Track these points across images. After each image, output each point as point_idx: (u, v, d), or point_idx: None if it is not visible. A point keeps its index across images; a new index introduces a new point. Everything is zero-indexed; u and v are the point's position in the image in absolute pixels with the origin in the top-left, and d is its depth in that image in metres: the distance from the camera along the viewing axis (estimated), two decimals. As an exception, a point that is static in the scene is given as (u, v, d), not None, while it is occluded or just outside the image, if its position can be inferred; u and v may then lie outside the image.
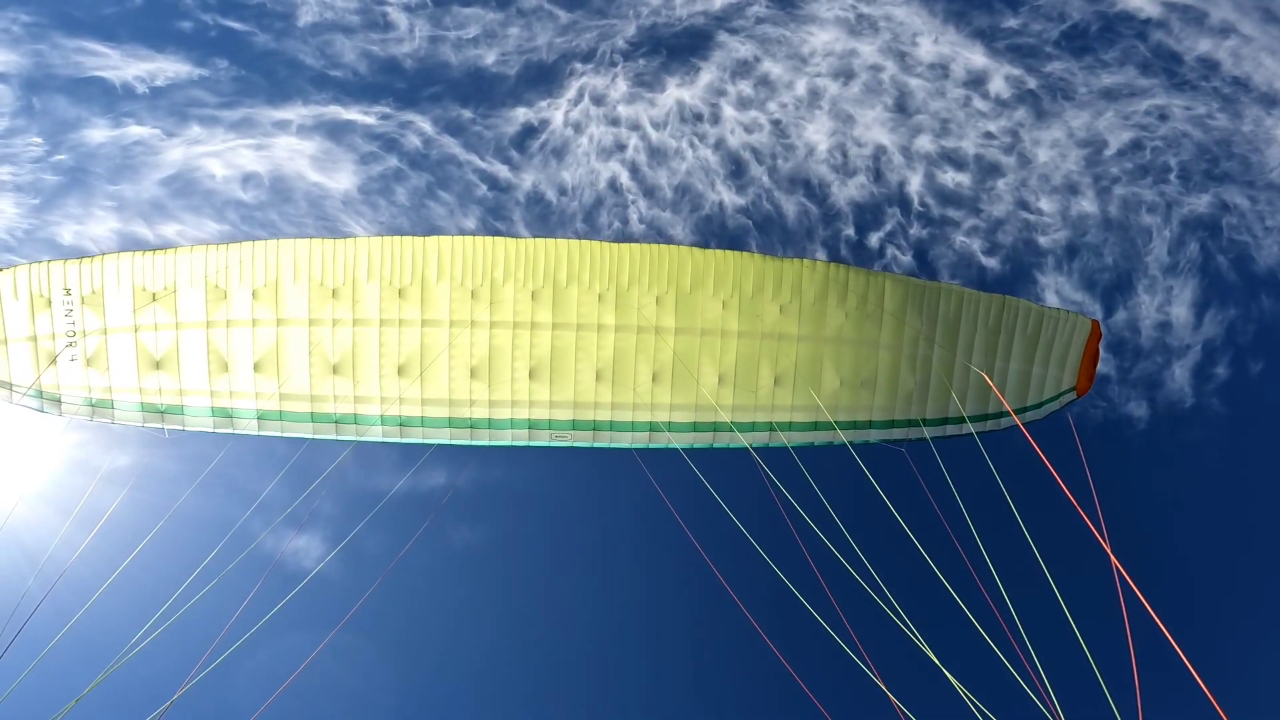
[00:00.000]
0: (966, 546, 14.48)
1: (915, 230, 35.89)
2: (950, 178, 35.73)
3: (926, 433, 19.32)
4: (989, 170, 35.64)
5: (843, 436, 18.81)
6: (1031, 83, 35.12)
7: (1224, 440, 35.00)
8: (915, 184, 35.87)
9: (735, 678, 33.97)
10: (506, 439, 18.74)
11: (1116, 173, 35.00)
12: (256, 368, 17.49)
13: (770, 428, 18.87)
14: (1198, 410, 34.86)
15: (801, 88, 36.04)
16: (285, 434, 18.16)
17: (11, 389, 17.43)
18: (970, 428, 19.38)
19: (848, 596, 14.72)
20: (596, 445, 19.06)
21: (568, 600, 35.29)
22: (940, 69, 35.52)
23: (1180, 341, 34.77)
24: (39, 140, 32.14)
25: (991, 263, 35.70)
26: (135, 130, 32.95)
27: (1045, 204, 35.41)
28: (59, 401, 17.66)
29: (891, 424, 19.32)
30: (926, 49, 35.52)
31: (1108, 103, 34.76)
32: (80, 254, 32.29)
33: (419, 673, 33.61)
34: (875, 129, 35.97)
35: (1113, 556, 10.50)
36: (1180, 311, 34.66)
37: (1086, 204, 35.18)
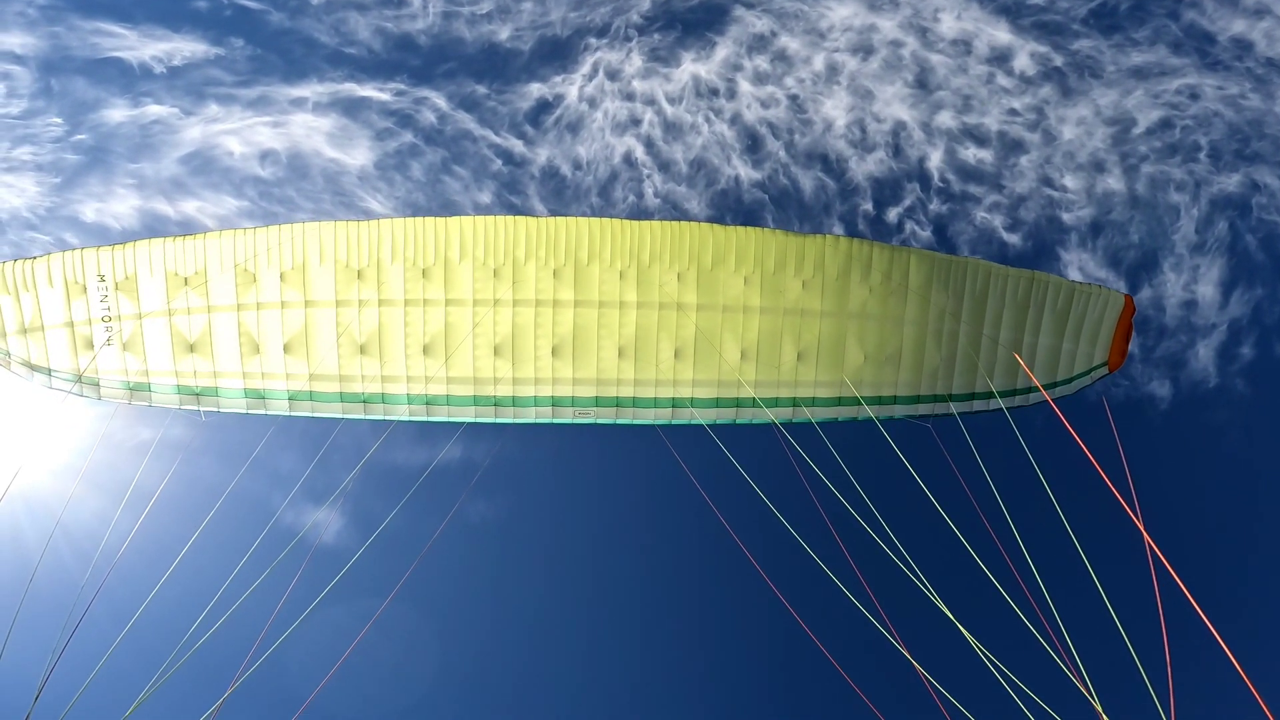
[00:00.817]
0: (994, 522, 14.53)
1: (935, 206, 35.53)
2: (972, 154, 35.27)
3: (954, 408, 19.26)
4: (1012, 147, 35.14)
5: (868, 411, 18.79)
6: (1058, 60, 34.47)
7: (1248, 421, 34.58)
8: (936, 160, 35.44)
9: (760, 652, 34.27)
10: (530, 416, 18.88)
11: (1145, 151, 34.40)
12: (286, 349, 17.68)
13: (794, 403, 18.88)
14: (1221, 390, 34.45)
15: (819, 63, 35.58)
16: (315, 414, 18.40)
17: (51, 374, 17.71)
18: (999, 403, 19.29)
19: (873, 571, 14.84)
20: (619, 422, 19.15)
21: (588, 576, 35.56)
22: (963, 45, 34.93)
23: (1206, 320, 34.27)
24: (59, 120, 32.38)
25: (1013, 239, 35.32)
26: (154, 109, 33.14)
27: (1070, 181, 34.90)
28: (97, 385, 17.93)
29: (917, 399, 19.26)
30: (949, 25, 34.92)
31: (1137, 81, 34.09)
32: (103, 231, 32.70)
33: (433, 648, 33.93)
34: (895, 105, 35.51)
35: (1146, 534, 10.52)
36: (1206, 290, 34.13)
37: (1113, 181, 34.64)
